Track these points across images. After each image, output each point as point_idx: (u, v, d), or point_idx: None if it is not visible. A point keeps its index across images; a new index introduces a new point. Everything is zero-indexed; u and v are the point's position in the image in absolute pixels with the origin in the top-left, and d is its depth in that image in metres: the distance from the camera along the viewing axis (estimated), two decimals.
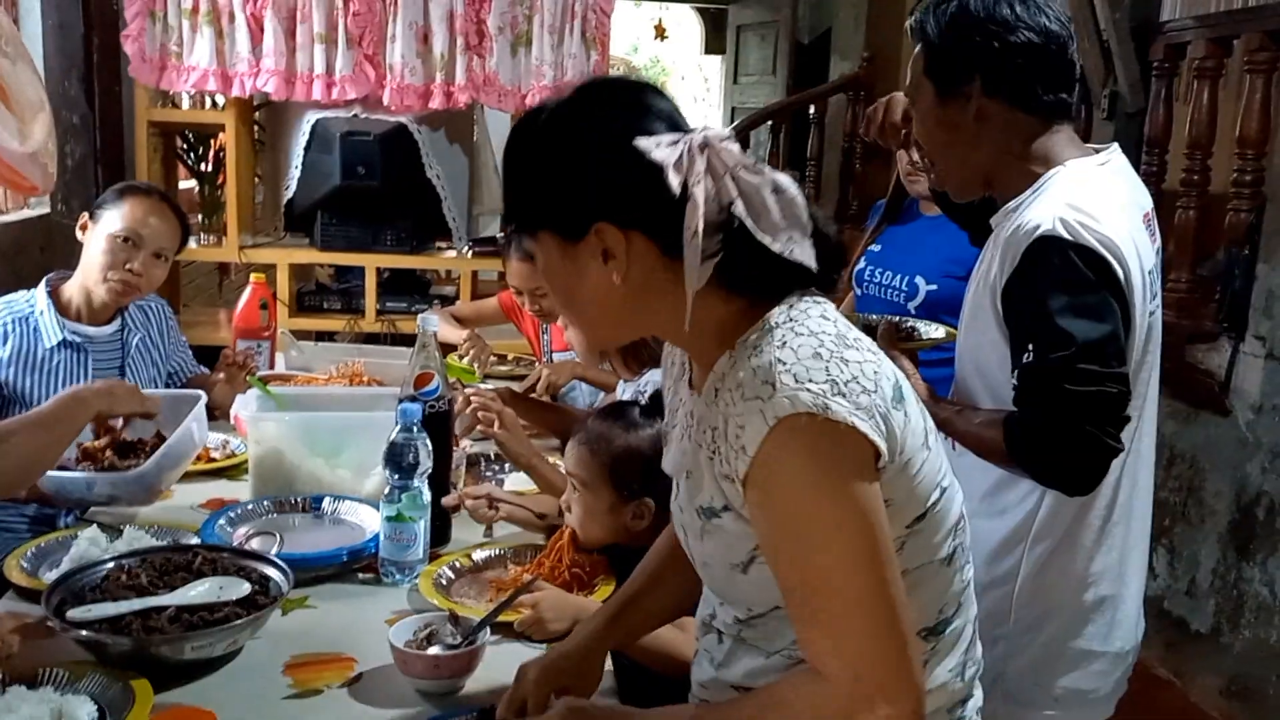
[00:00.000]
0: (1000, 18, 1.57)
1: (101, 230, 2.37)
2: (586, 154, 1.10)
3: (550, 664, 1.35)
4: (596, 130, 1.10)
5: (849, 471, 1.03)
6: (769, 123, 6.51)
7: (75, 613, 1.45)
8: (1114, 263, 1.49)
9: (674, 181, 1.04)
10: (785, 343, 1.07)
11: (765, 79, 7.86)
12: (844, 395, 1.02)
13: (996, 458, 1.55)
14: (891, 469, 1.06)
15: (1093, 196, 1.55)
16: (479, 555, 1.84)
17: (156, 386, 2.54)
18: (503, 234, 2.86)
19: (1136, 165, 3.64)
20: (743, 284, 1.11)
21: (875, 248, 2.68)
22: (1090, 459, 1.48)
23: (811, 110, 6.55)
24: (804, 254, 1.07)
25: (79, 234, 2.41)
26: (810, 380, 1.03)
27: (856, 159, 6.15)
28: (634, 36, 8.98)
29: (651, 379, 2.05)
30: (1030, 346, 1.49)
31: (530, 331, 3.14)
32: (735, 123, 6.87)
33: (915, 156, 2.34)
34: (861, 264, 2.67)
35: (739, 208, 1.06)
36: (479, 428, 2.18)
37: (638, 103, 1.12)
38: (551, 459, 2.14)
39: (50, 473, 1.86)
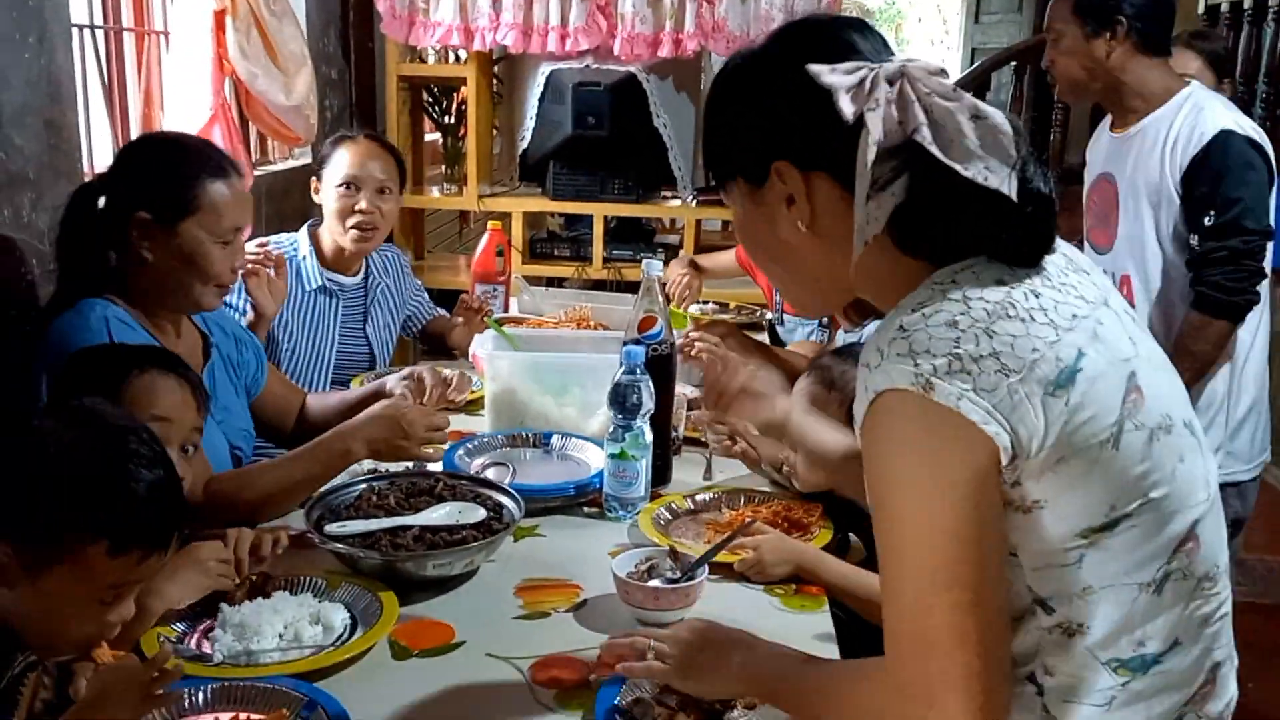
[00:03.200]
0: None
1: (327, 185, 2.53)
2: (765, 90, 1.06)
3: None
4: (778, 67, 1.05)
5: (946, 464, 0.92)
6: (1013, 64, 6.18)
7: (332, 528, 1.58)
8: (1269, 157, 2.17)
9: (846, 107, 0.97)
10: (924, 304, 0.97)
11: (1009, 17, 7.49)
12: (963, 374, 0.91)
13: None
14: (1036, 464, 0.94)
15: (1234, 110, 2.24)
16: (699, 498, 1.88)
17: (392, 331, 2.73)
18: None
19: None
20: (919, 240, 1.00)
21: None
22: (1252, 290, 2.14)
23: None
24: (1001, 183, 0.96)
25: (314, 195, 2.57)
26: (926, 352, 0.93)
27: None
28: None
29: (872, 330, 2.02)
30: (1212, 211, 2.12)
31: (765, 285, 3.15)
32: (974, 65, 6.55)
33: None
34: None
35: (924, 134, 0.96)
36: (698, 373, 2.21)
37: (834, 38, 1.06)
38: None
39: None
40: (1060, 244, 1.06)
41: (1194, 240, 2.17)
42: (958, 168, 0.96)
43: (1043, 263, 1.02)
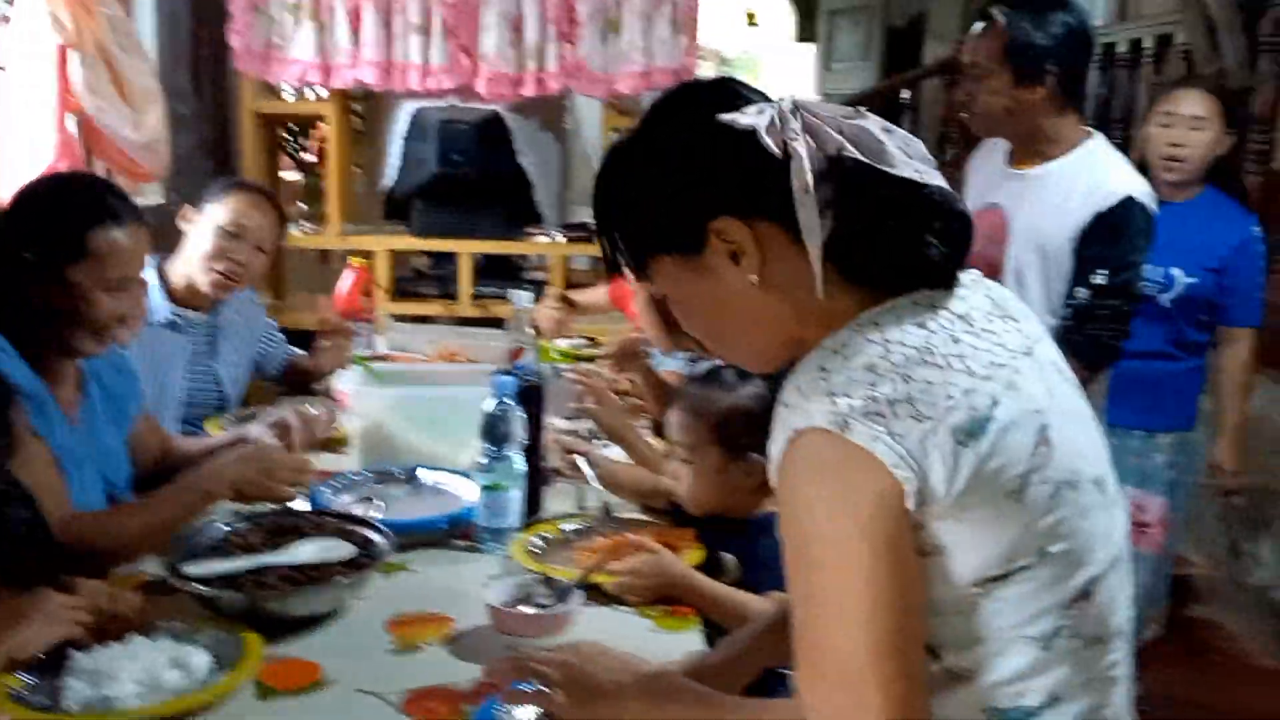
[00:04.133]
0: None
1: (207, 221, 2.46)
2: (677, 153, 1.03)
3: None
4: (680, 127, 1.04)
5: (860, 502, 0.91)
6: (861, 109, 6.45)
7: (191, 569, 1.52)
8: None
9: (770, 143, 0.97)
10: (844, 346, 0.97)
11: (858, 65, 7.80)
12: (878, 416, 0.91)
13: None
14: (937, 510, 0.93)
15: (1134, 172, 2.34)
16: (569, 526, 1.88)
17: (243, 371, 2.66)
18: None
19: (1243, 143, 3.54)
20: (861, 266, 1.00)
21: None
22: (1121, 349, 2.26)
23: (905, 95, 6.47)
24: (934, 179, 0.98)
25: (180, 223, 2.50)
26: (844, 394, 0.93)
27: (950, 144, 6.06)
28: (724, 25, 8.96)
29: None
30: (1106, 270, 2.20)
31: (637, 321, 3.18)
32: None
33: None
34: None
35: (849, 150, 0.97)
36: (574, 404, 2.23)
37: (718, 89, 1.06)
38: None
39: None
40: (991, 287, 1.08)
41: (1082, 294, 2.24)
42: (890, 170, 0.97)
43: (968, 308, 1.02)
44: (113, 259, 1.73)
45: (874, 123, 1.00)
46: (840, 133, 0.98)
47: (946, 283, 1.02)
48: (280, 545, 1.62)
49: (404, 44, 3.55)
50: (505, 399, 1.80)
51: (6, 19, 2.68)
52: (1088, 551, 1.00)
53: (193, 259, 2.46)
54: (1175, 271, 2.68)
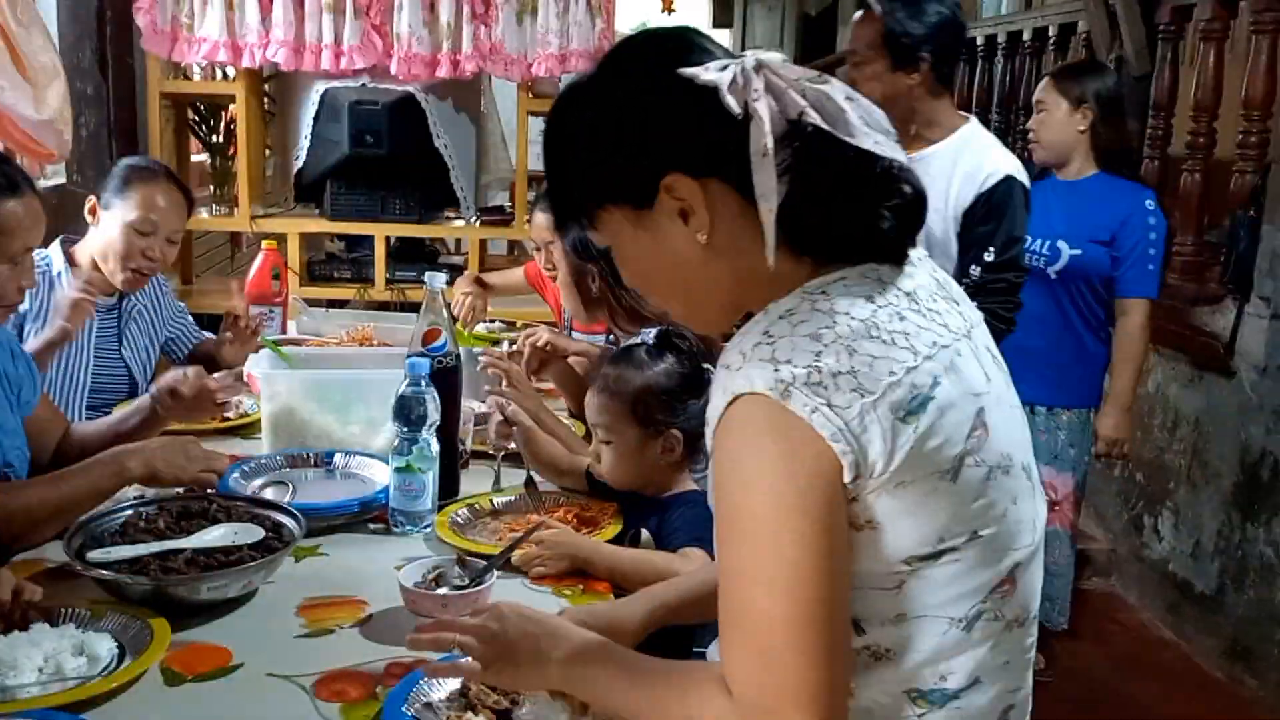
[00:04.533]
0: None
1: (116, 218, 2.38)
2: (635, 103, 1.01)
3: (573, 617, 1.30)
4: (640, 77, 1.01)
5: (796, 470, 0.91)
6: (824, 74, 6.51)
7: (95, 554, 1.49)
8: None
9: (731, 102, 0.95)
10: (791, 313, 0.97)
11: (773, 52, 7.87)
12: (819, 386, 0.91)
13: None
14: (873, 486, 0.94)
15: (1009, 153, 2.51)
16: (495, 501, 1.90)
17: (151, 355, 2.61)
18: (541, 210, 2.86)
19: (1142, 129, 3.67)
20: (808, 232, 0.99)
21: None
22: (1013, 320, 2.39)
23: None
24: (893, 152, 0.97)
25: (87, 217, 2.42)
26: (788, 361, 0.92)
27: None
28: (640, 10, 8.97)
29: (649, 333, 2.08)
30: (993, 248, 2.37)
31: (554, 303, 3.18)
32: None
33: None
34: None
35: (810, 115, 0.96)
36: (486, 387, 2.22)
37: (680, 40, 1.04)
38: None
39: None
40: (936, 268, 1.08)
41: (975, 271, 2.39)
42: (849, 140, 0.96)
43: (915, 286, 1.02)
44: (13, 229, 1.71)
45: (837, 88, 0.99)
46: (803, 96, 0.97)
47: (896, 258, 1.03)
48: (188, 530, 1.60)
49: (316, 23, 3.49)
50: (419, 381, 1.80)
51: None
52: (1014, 536, 1.02)
53: (106, 255, 2.40)
54: (1061, 244, 2.87)
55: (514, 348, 2.56)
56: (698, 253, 1.02)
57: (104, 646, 1.35)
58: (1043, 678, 3.05)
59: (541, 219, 2.79)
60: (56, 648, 1.32)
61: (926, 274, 1.06)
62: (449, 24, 3.53)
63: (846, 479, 0.92)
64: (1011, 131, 4.54)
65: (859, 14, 2.50)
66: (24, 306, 2.30)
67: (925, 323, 0.99)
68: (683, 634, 1.50)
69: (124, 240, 2.38)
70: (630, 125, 1.01)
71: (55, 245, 2.43)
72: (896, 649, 0.99)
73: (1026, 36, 4.58)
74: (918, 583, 0.97)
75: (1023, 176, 2.43)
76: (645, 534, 1.77)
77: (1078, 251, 2.86)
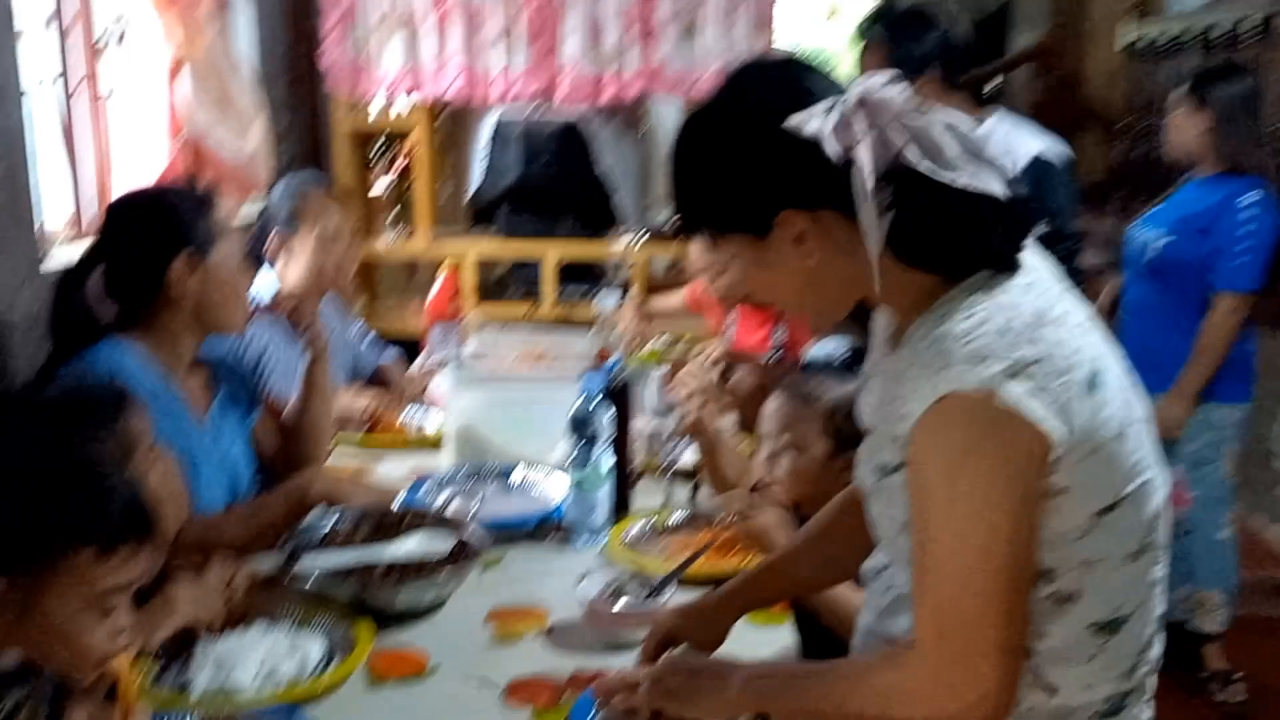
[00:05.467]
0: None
1: (306, 241, 2.52)
2: (748, 148, 1.08)
3: (672, 616, 1.39)
4: (754, 122, 1.08)
5: (1006, 460, 1.00)
6: (924, 104, 6.37)
7: (305, 562, 1.61)
8: None
9: (832, 151, 1.02)
10: (973, 313, 1.03)
11: (878, 77, 7.68)
12: (1025, 377, 0.98)
13: None
14: (1071, 456, 1.01)
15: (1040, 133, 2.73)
16: (668, 518, 1.94)
17: (341, 375, 2.74)
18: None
19: None
20: (921, 254, 1.07)
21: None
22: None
23: (986, 87, 6.38)
24: (989, 184, 1.03)
25: (276, 257, 2.55)
26: (990, 357, 0.99)
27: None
28: (803, 22, 8.93)
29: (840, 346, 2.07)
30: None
31: (717, 324, 3.22)
32: None
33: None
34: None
35: (911, 152, 1.02)
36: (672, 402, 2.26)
37: (789, 79, 1.11)
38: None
39: None
40: (1039, 250, 1.14)
41: None
42: (948, 178, 1.02)
43: (1040, 274, 1.09)
44: (237, 232, 1.89)
45: (937, 120, 1.05)
46: (906, 129, 1.03)
47: (1009, 267, 1.07)
48: (383, 540, 1.70)
49: (488, 54, 3.63)
50: (593, 398, 1.86)
51: (106, 43, 2.82)
52: (1160, 474, 1.11)
53: (314, 277, 2.53)
54: (1157, 235, 2.93)
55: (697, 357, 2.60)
56: (810, 273, 1.10)
57: (315, 647, 1.47)
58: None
59: (696, 243, 2.84)
60: (274, 648, 1.43)
61: (1039, 260, 1.12)
62: (613, 47, 3.62)
63: (1052, 457, 0.99)
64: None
65: (864, 43, 2.72)
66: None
67: (1072, 303, 1.08)
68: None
69: (324, 253, 2.53)
70: (744, 169, 1.09)
71: (272, 274, 2.59)
72: (1081, 590, 1.07)
73: (1217, 33, 4.35)
74: (1100, 532, 1.05)
75: (1054, 155, 2.53)
76: None
77: (1172, 238, 2.90)
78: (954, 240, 1.06)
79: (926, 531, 1.04)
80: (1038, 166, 2.55)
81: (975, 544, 1.01)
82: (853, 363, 1.83)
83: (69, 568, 1.05)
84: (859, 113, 1.03)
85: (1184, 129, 2.95)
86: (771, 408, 1.83)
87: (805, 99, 1.07)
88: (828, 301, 1.15)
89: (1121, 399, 1.06)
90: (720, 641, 1.39)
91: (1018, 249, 1.08)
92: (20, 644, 1.07)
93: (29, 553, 1.04)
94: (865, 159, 1.01)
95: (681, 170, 1.16)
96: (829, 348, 2.15)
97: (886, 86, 1.04)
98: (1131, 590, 1.10)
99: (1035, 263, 1.10)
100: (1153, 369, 2.72)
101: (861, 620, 1.33)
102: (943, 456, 1.02)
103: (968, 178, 1.03)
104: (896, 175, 1.04)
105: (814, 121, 1.03)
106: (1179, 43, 4.51)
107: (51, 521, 1.04)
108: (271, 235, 2.57)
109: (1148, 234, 2.97)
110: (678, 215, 1.19)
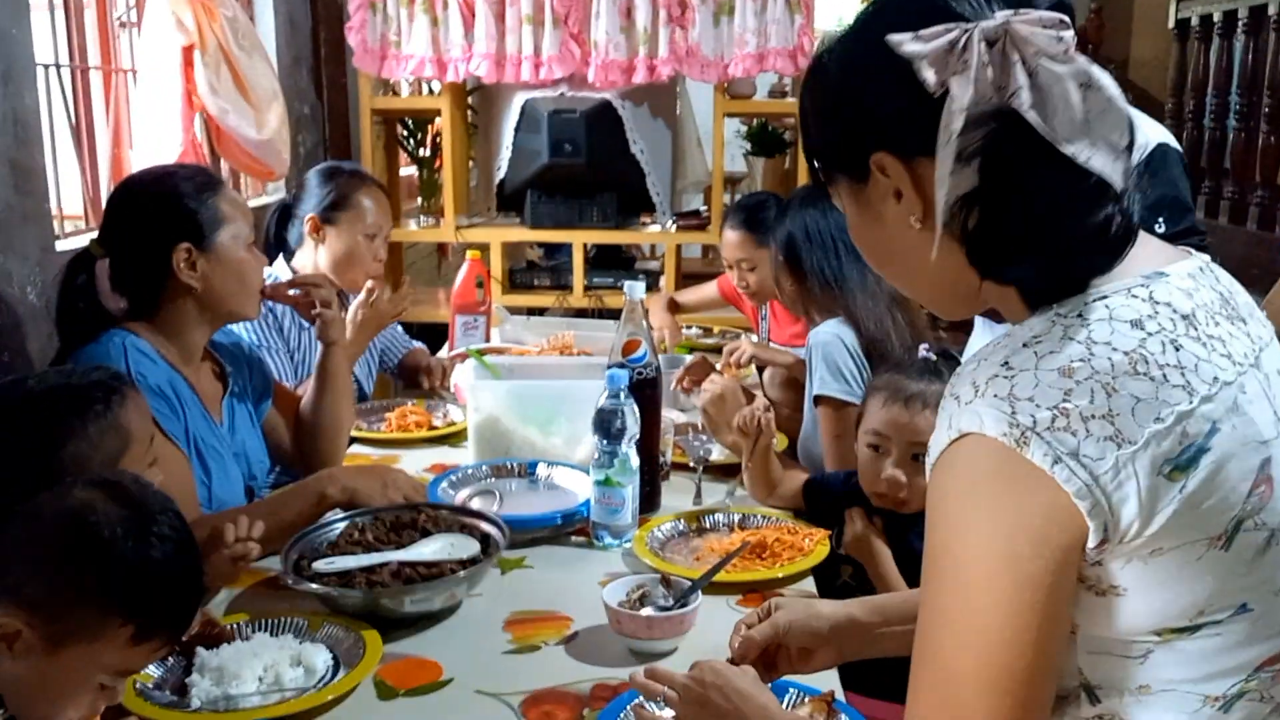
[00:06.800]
0: None
1: (347, 231, 2.48)
2: (851, 77, 0.92)
3: (791, 615, 1.26)
4: (864, 46, 0.91)
5: (1022, 528, 0.80)
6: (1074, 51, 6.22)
7: (320, 564, 1.53)
8: None
9: (928, 76, 0.83)
10: (1038, 340, 0.84)
11: (1050, 11, 7.55)
12: (1068, 433, 0.78)
13: None
14: (1121, 550, 0.81)
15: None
16: (694, 519, 1.85)
17: (372, 367, 2.70)
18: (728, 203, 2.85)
19: None
20: (988, 235, 0.86)
21: None
22: None
23: None
24: (1104, 167, 0.82)
25: (310, 235, 2.50)
26: (1029, 399, 0.80)
27: None
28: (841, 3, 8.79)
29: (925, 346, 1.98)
30: (1161, 218, 2.09)
31: (750, 313, 3.13)
32: None
33: None
34: None
35: (1022, 98, 0.82)
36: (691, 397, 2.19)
37: (931, 5, 0.88)
38: None
39: None
40: (1220, 276, 0.93)
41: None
42: (1057, 142, 0.82)
43: (1194, 306, 0.86)
44: (242, 216, 1.83)
45: (1077, 70, 0.83)
46: (1032, 75, 0.83)
47: (1104, 267, 0.87)
48: (400, 542, 1.62)
49: (516, 36, 3.55)
50: (618, 393, 1.77)
51: (124, 23, 2.76)
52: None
53: (347, 266, 2.48)
54: None
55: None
56: (913, 235, 0.91)
57: (320, 658, 1.38)
58: None
59: (732, 236, 2.76)
60: (276, 658, 1.35)
61: (1208, 288, 0.90)
62: (645, 29, 3.53)
63: (1091, 543, 0.80)
64: (1256, 117, 4.15)
65: None
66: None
67: (1204, 353, 0.83)
68: None
69: (363, 248, 2.49)
70: (844, 96, 0.93)
71: (281, 263, 2.54)
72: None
73: (1273, 10, 4.18)
74: (1168, 654, 0.84)
75: (1174, 143, 2.27)
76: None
77: None
78: (1030, 218, 0.85)
79: (925, 599, 0.86)
80: (1161, 153, 2.20)
81: (973, 627, 0.82)
82: (938, 366, 1.74)
83: (100, 638, 1.06)
84: (979, 44, 0.82)
85: None
86: (897, 419, 1.71)
87: (934, 16, 0.86)
88: (938, 286, 0.95)
89: (1256, 493, 0.82)
90: (828, 663, 1.29)
91: (1111, 262, 0.87)
92: (7, 682, 1.06)
93: (73, 610, 1.05)
94: (963, 89, 0.82)
95: (801, 106, 1.01)
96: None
97: (1044, 22, 0.83)
98: None
99: (1171, 293, 0.86)
100: None
101: None
102: (947, 513, 0.84)
103: (1076, 149, 0.82)
104: (994, 120, 0.83)
105: (915, 43, 0.84)
106: (1231, 21, 4.34)
107: (106, 593, 1.06)
108: (306, 219, 2.50)
109: None
110: (805, 148, 1.03)
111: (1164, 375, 0.81)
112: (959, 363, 1.73)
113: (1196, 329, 0.85)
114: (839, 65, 0.94)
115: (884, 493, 1.73)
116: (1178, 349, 0.83)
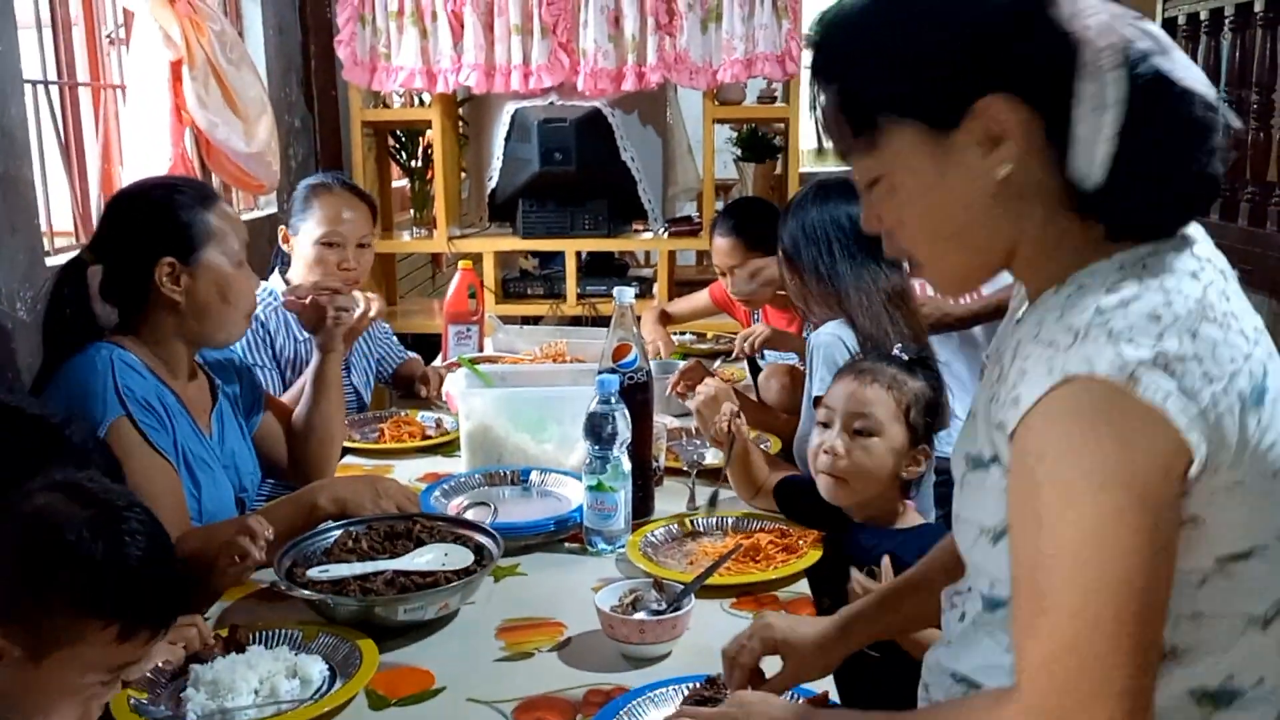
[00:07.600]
0: None
1: (305, 239, 2.48)
2: (963, 10, 0.88)
3: (780, 629, 1.26)
4: None
5: (1139, 467, 0.80)
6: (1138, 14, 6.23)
7: (314, 572, 1.54)
8: None
9: (1061, 18, 0.83)
10: (1119, 286, 0.85)
11: None
12: (1169, 372, 0.80)
13: None
14: (1212, 482, 0.83)
15: None
16: (691, 522, 1.85)
17: (370, 377, 2.70)
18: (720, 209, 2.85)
19: None
20: (1120, 194, 0.87)
21: None
22: None
23: None
24: (1226, 112, 0.86)
25: (283, 246, 2.53)
26: (1131, 341, 0.81)
27: None
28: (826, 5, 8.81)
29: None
30: None
31: (743, 319, 3.13)
32: None
33: None
34: None
35: (1144, 44, 0.84)
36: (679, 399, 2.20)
37: None
38: None
39: None
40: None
41: None
42: (1182, 80, 0.84)
43: (1224, 265, 0.92)
44: (232, 231, 1.80)
45: (1156, 30, 0.87)
46: (1148, 34, 0.86)
47: (1202, 210, 0.92)
48: (394, 551, 1.62)
49: (505, 46, 3.56)
50: (609, 398, 1.77)
51: (112, 40, 2.76)
52: None
53: (306, 275, 2.48)
54: None
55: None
56: (986, 192, 0.90)
57: (316, 668, 1.38)
58: None
59: (721, 244, 2.76)
60: (271, 670, 1.35)
61: (1219, 254, 0.94)
62: (634, 36, 3.53)
63: (1193, 473, 0.82)
64: (1244, 114, 4.16)
65: None
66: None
67: (1243, 306, 0.90)
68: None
69: (316, 256, 2.47)
70: (950, 32, 0.88)
71: (276, 278, 2.54)
72: (1187, 647, 0.89)
73: (1260, 8, 4.19)
74: (1223, 580, 0.88)
75: None
76: (885, 561, 1.62)
77: None
78: (1170, 172, 0.87)
79: (1038, 550, 0.84)
80: None
81: (1096, 566, 0.80)
82: (914, 364, 1.74)
83: (85, 641, 1.05)
84: None
85: None
86: (855, 389, 1.72)
87: None
88: (978, 248, 0.94)
89: None
90: (823, 670, 1.28)
91: (1206, 206, 0.92)
92: None
93: (52, 618, 1.04)
94: (1100, 36, 0.82)
95: (856, 26, 0.93)
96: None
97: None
98: (1254, 662, 0.90)
99: (1208, 251, 0.92)
100: None
101: (929, 653, 1.14)
102: (1062, 456, 0.82)
103: (1205, 87, 0.85)
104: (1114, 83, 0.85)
105: None
106: (1218, 20, 4.36)
107: (81, 597, 1.04)
108: (281, 230, 2.52)
109: None
110: (840, 101, 0.95)
111: (1226, 322, 0.86)
112: (935, 372, 1.75)
113: (1231, 284, 0.91)
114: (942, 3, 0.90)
115: (823, 470, 1.71)
116: (1227, 299, 0.88)
